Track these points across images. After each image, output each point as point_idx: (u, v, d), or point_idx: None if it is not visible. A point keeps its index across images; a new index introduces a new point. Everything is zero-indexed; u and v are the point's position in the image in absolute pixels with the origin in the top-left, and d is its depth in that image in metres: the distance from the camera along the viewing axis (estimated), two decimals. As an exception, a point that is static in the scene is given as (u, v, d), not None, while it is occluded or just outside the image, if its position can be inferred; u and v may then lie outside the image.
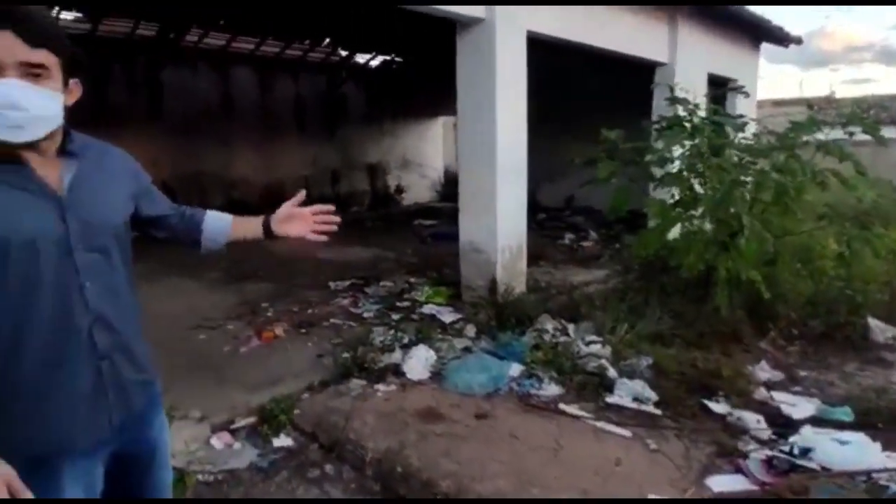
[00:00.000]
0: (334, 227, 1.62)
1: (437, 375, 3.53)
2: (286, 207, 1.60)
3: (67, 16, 8.29)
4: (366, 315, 4.69)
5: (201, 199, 9.91)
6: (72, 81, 1.19)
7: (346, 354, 3.66)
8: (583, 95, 10.13)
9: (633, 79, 6.66)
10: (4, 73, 1.06)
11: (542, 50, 4.83)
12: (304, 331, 4.35)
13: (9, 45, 1.05)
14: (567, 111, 10.23)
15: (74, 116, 1.22)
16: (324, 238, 1.62)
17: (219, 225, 1.59)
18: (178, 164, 9.47)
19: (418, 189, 13.46)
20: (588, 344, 3.98)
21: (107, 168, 1.33)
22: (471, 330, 4.23)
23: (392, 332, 4.08)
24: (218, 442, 2.74)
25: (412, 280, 5.72)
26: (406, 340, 3.86)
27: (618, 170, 4.62)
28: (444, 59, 12.71)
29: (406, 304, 4.94)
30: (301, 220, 1.60)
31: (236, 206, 10.47)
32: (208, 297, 5.34)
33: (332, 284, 5.72)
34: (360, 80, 12.25)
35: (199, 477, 2.50)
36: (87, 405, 1.22)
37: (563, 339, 4.12)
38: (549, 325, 4.35)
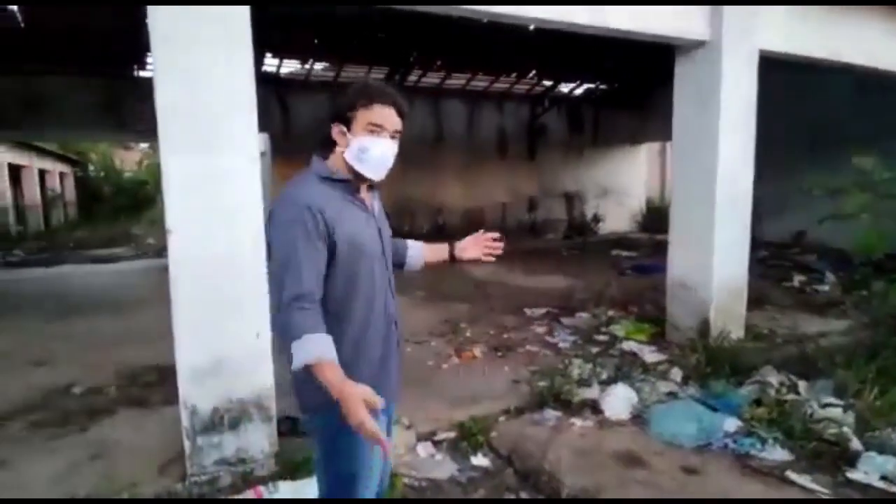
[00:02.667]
0: (499, 251, 1.94)
1: (638, 418, 3.32)
2: (470, 238, 1.96)
3: (318, 66, 9.88)
4: (561, 345, 4.63)
5: (411, 224, 10.89)
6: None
7: (542, 383, 3.66)
8: (824, 115, 8.83)
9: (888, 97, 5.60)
10: (382, 134, 1.54)
11: (770, 64, 4.34)
12: (500, 354, 4.46)
13: (391, 116, 1.55)
14: (801, 133, 9.00)
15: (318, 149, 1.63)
16: (492, 260, 1.96)
17: (417, 253, 1.94)
18: (392, 191, 10.55)
19: (617, 218, 12.98)
20: (824, 406, 3.40)
21: (380, 201, 1.75)
22: (677, 374, 3.91)
23: (590, 365, 3.97)
24: (423, 450, 2.94)
25: (610, 313, 5.50)
26: (604, 376, 3.72)
27: (871, 204, 3.91)
28: (649, 85, 12.23)
29: (604, 337, 4.77)
30: (476, 245, 1.94)
31: (442, 231, 11.31)
32: (414, 314, 5.79)
33: (527, 311, 5.79)
34: (562, 108, 12.34)
35: (406, 480, 2.71)
36: (395, 377, 1.70)
37: (791, 396, 3.58)
38: (774, 378, 3.83)
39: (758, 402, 3.47)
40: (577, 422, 3.26)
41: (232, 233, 2.65)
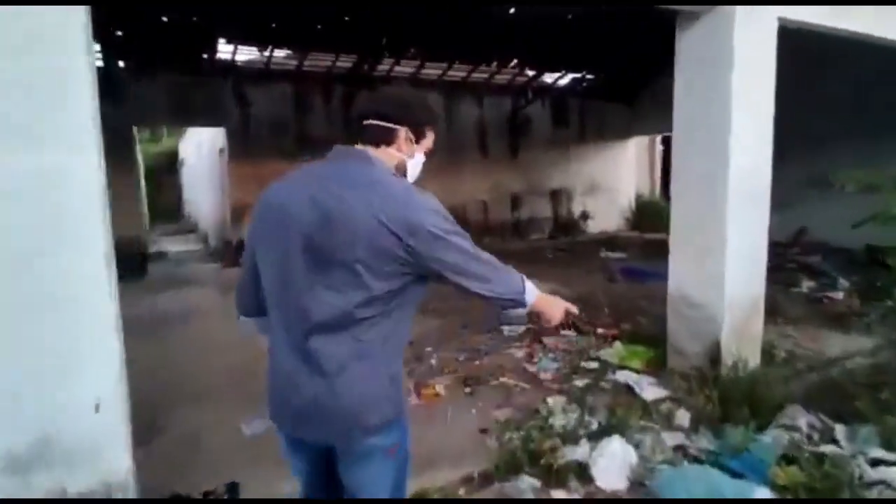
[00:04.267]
0: None
1: (639, 486, 2.57)
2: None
3: (279, 53, 9.02)
4: (542, 376, 3.86)
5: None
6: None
7: (516, 435, 2.88)
8: (846, 98, 8.12)
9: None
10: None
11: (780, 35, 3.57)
12: (468, 390, 3.68)
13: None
14: (802, 118, 8.29)
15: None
16: None
17: None
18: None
19: (605, 216, 12.25)
20: (875, 464, 2.68)
21: None
22: (684, 417, 3.16)
23: (576, 409, 3.20)
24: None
25: (600, 331, 4.74)
26: (595, 426, 2.95)
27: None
28: (639, 75, 11.46)
29: (593, 364, 4.00)
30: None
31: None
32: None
33: (504, 329, 5.01)
34: (546, 100, 11.57)
35: None
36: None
37: (828, 448, 2.85)
38: (803, 420, 3.10)
39: (788, 460, 2.74)
40: (561, 494, 2.49)
41: (60, 258, 1.85)
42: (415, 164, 1.55)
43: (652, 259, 8.55)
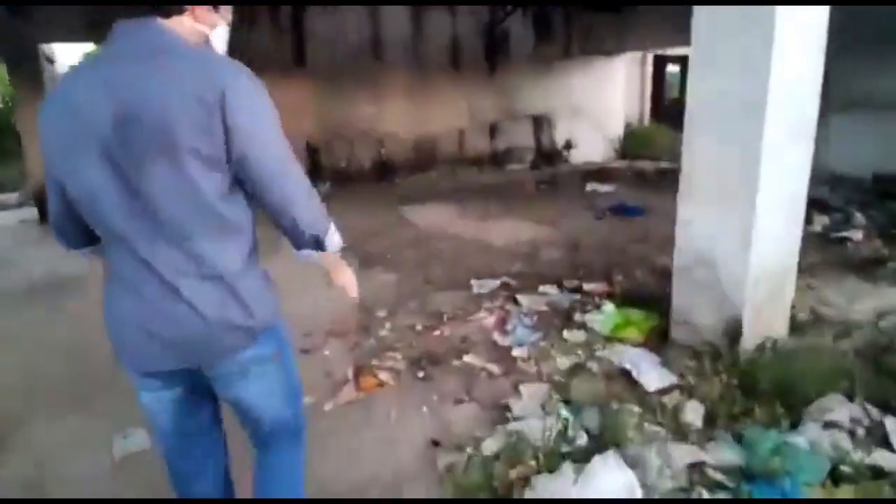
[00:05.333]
0: None
1: (643, 533, 1.86)
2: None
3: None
4: (516, 352, 3.10)
5: (348, 160, 9.04)
6: None
7: (478, 452, 2.14)
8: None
9: None
10: None
11: None
12: (422, 374, 2.91)
13: None
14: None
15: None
16: None
17: None
18: (321, 119, 8.61)
19: (591, 145, 11.27)
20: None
21: None
22: (695, 411, 2.44)
23: (555, 405, 2.46)
24: None
25: (586, 287, 3.97)
26: (583, 441, 2.20)
27: None
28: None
29: (579, 334, 3.25)
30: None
31: (386, 168, 9.50)
32: (319, 294, 4.17)
33: (474, 284, 4.22)
34: (527, 11, 10.20)
35: None
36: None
37: (884, 456, 2.16)
38: (843, 412, 2.41)
39: (837, 478, 2.06)
40: (534, 552, 1.78)
41: None
42: (218, 35, 1.34)
43: (642, 192, 7.74)
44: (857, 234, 5.01)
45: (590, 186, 8.26)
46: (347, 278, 1.58)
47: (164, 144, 1.11)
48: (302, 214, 1.27)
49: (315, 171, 8.52)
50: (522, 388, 2.68)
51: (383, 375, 2.85)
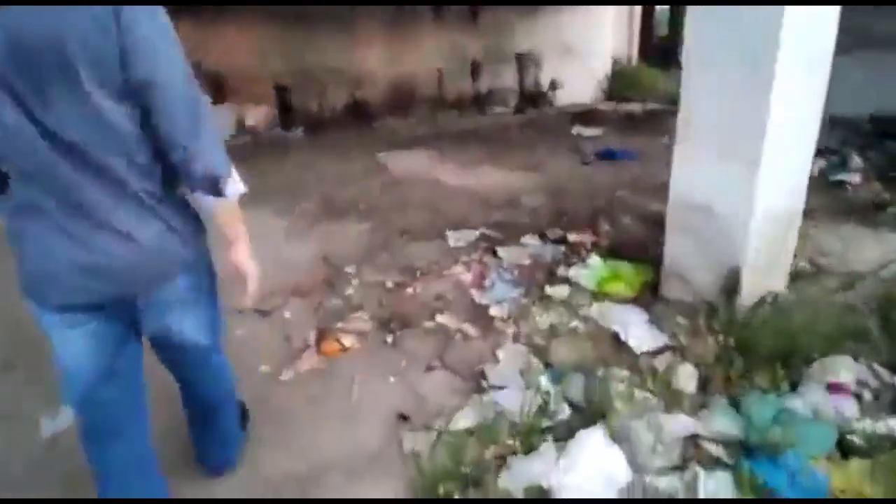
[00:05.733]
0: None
1: (632, 519, 1.65)
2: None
3: None
4: (494, 311, 2.84)
5: (321, 101, 8.49)
6: None
7: (446, 434, 1.90)
8: None
9: None
10: None
11: None
12: (390, 338, 2.65)
13: None
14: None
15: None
16: None
17: None
18: (292, 59, 7.99)
19: (578, 85, 10.77)
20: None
21: None
22: (688, 376, 2.22)
23: (536, 370, 2.22)
24: None
25: (571, 238, 3.70)
26: (565, 415, 1.97)
27: None
28: None
29: (562, 289, 2.99)
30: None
31: (361, 110, 8.95)
32: (282, 248, 3.85)
33: (450, 236, 3.92)
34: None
35: None
36: None
37: (894, 424, 1.97)
38: (849, 374, 2.21)
39: (843, 447, 1.87)
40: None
41: None
42: None
43: (630, 135, 7.40)
44: (856, 178, 4.77)
45: (576, 130, 7.87)
46: (243, 259, 1.43)
47: (62, 70, 1.05)
48: (203, 148, 1.19)
49: (285, 113, 7.99)
50: (500, 352, 2.44)
51: (347, 340, 2.58)
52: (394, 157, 6.52)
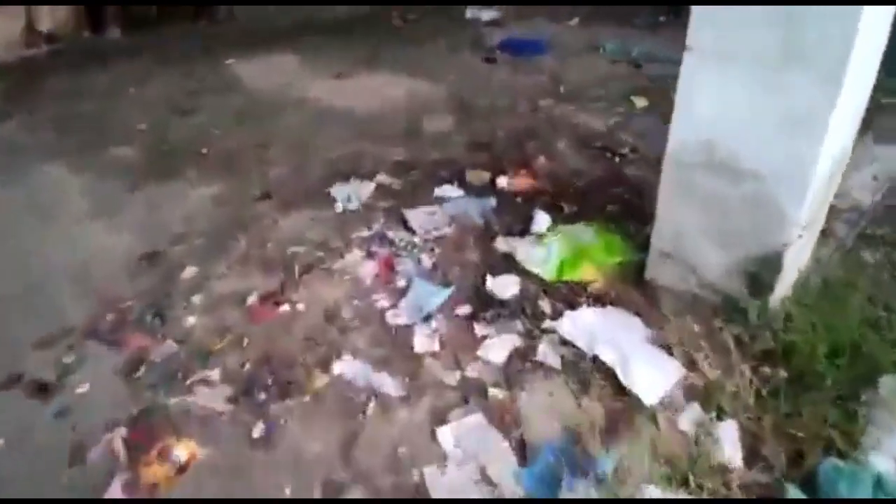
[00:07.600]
0: None
1: None
2: None
3: None
4: (419, 340, 1.86)
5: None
6: None
7: None
8: None
9: None
10: None
11: None
12: (259, 429, 1.61)
13: None
14: None
15: None
16: None
17: None
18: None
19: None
20: None
21: None
22: (730, 442, 1.46)
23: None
24: None
25: (500, 182, 2.73)
26: None
27: None
28: None
29: (508, 280, 2.06)
30: None
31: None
32: (77, 239, 2.53)
33: (336, 193, 2.79)
34: None
35: None
36: None
37: None
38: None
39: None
40: None
41: None
42: None
43: (531, 16, 6.23)
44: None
45: (470, 12, 6.55)
46: None
47: None
48: None
49: (94, 9, 5.87)
50: (442, 431, 1.52)
51: (185, 447, 1.52)
52: (249, 66, 4.94)
